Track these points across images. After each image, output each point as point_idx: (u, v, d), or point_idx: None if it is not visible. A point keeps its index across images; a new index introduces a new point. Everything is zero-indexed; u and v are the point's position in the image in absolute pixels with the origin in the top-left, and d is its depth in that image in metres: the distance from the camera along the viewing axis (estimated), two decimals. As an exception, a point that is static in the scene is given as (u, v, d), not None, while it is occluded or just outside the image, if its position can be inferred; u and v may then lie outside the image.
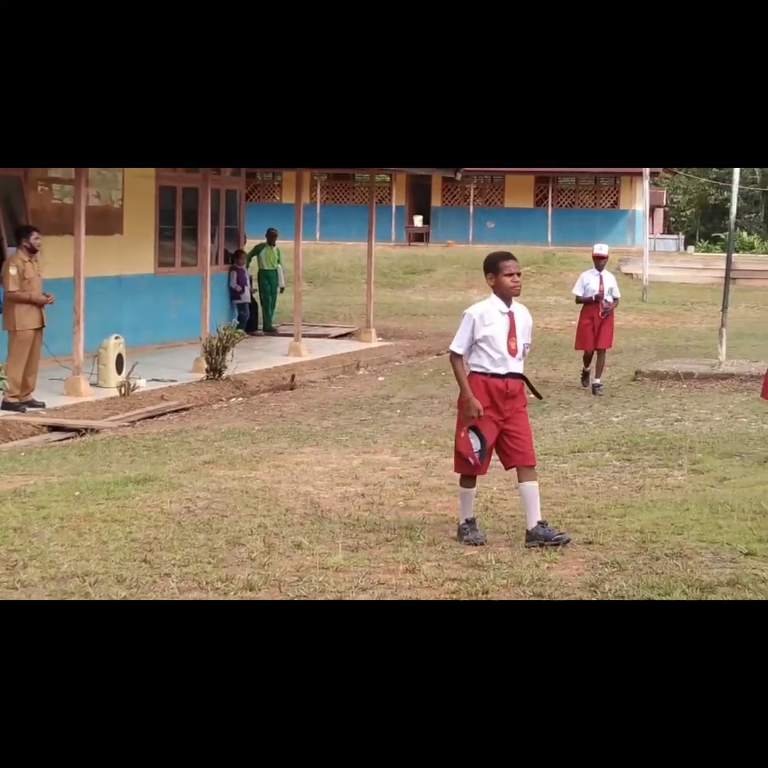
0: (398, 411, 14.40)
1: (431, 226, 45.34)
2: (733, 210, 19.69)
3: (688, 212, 72.77)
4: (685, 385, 16.37)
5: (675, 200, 71.18)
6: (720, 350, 17.96)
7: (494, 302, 7.60)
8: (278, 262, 24.03)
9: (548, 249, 40.12)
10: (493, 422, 7.53)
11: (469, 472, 7.69)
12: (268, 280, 23.84)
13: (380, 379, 17.89)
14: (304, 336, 20.51)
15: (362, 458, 10.90)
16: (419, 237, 44.87)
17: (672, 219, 70.33)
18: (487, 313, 7.59)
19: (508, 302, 7.60)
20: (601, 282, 15.88)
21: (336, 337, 23.50)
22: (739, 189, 71.67)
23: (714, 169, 65.78)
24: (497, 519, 8.34)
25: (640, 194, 42.29)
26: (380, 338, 22.87)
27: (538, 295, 32.39)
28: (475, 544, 7.50)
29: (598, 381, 15.70)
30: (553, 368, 18.67)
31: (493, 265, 7.63)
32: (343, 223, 42.91)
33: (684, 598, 6.29)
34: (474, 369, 7.64)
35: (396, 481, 9.75)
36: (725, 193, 55.79)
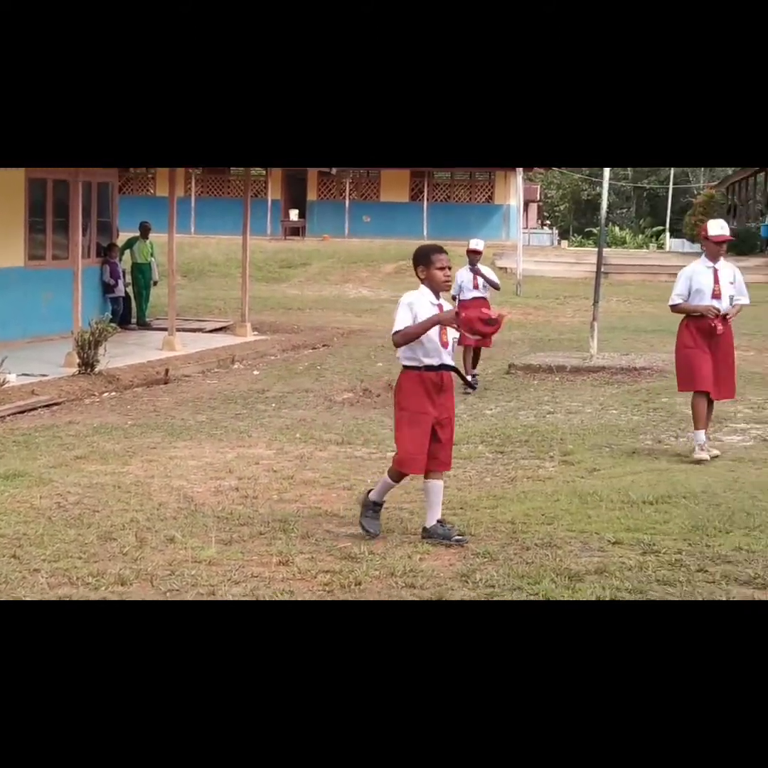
0: (273, 405, 14.36)
1: (307, 220, 45.26)
2: (604, 205, 20.00)
3: (561, 207, 73.85)
4: (557, 378, 16.58)
5: (549, 195, 72.15)
6: (591, 343, 18.22)
7: (424, 294, 7.55)
8: (151, 255, 23.77)
9: (424, 243, 40.26)
10: (430, 417, 7.49)
11: (415, 471, 7.62)
12: (141, 274, 23.58)
13: (255, 373, 17.82)
14: (178, 330, 20.32)
15: (236, 452, 10.85)
16: (295, 231, 44.77)
17: (546, 214, 71.26)
18: (417, 303, 7.53)
19: (437, 295, 7.56)
20: (475, 278, 15.67)
21: (211, 331, 23.34)
22: (611, 185, 72.93)
23: (586, 166, 66.79)
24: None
25: (514, 189, 42.74)
26: (255, 332, 22.76)
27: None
28: (367, 532, 7.50)
29: (475, 372, 15.74)
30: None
31: (424, 258, 7.63)
32: (219, 216, 42.58)
33: (552, 587, 6.39)
34: (406, 363, 7.57)
35: (270, 475, 9.73)
36: (597, 188, 56.67)
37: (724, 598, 6.31)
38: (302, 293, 33.01)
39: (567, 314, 28.48)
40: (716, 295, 10.32)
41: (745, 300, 10.58)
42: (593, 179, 59.30)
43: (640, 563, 6.94)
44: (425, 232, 43.68)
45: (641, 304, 30.84)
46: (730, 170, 62.42)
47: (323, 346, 21.46)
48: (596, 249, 21.51)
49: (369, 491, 7.83)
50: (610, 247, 53.26)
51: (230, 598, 6.21)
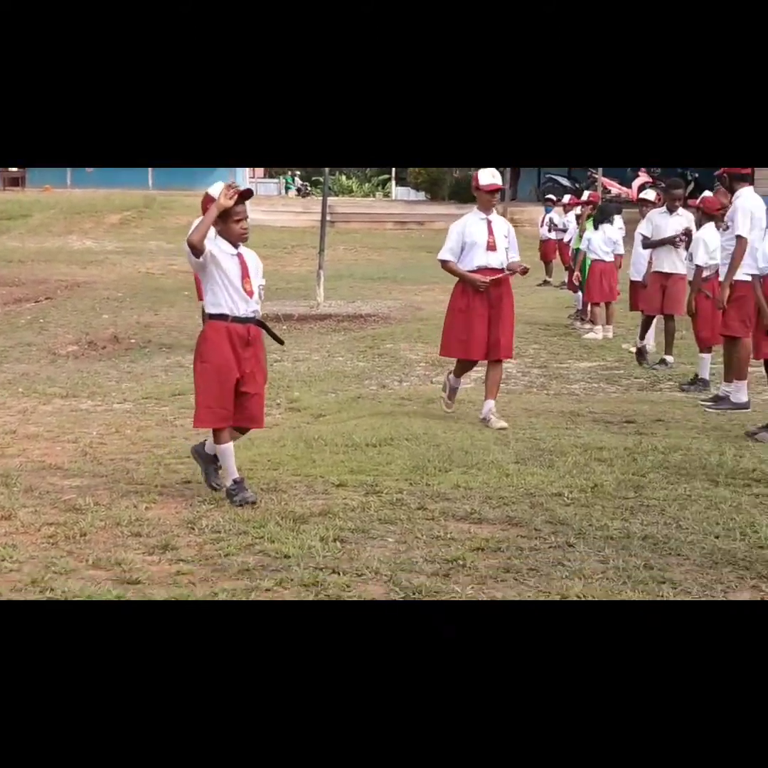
0: (-6, 359, 14.00)
1: (27, 170, 43.91)
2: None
3: (288, 157, 73.78)
4: (284, 327, 16.67)
5: (275, 145, 72.02)
6: (318, 292, 18.42)
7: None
8: None
9: (149, 193, 39.72)
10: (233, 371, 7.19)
11: (219, 424, 7.20)
12: None
13: (-25, 327, 17.30)
14: None
15: (-45, 409, 10.56)
16: (15, 181, 43.40)
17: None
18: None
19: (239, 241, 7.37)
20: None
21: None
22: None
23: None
24: (97, 463, 8.31)
25: (240, 138, 42.51)
26: (-26, 286, 22.07)
27: (140, 240, 32.07)
28: (251, 503, 7.07)
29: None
30: (155, 313, 18.59)
31: None
32: (-68, 165, 40.92)
33: (277, 530, 6.49)
34: (212, 310, 7.27)
35: (-9, 430, 9.52)
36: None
37: (442, 534, 6.57)
38: (23, 245, 32.03)
39: (294, 263, 28.62)
40: (491, 247, 9.71)
41: (516, 256, 9.95)
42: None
43: (363, 504, 7.11)
44: (150, 182, 43.08)
45: (367, 252, 31.28)
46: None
47: (46, 298, 20.95)
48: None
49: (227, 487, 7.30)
50: (337, 195, 53.71)
51: (-50, 555, 6.07)
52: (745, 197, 10.15)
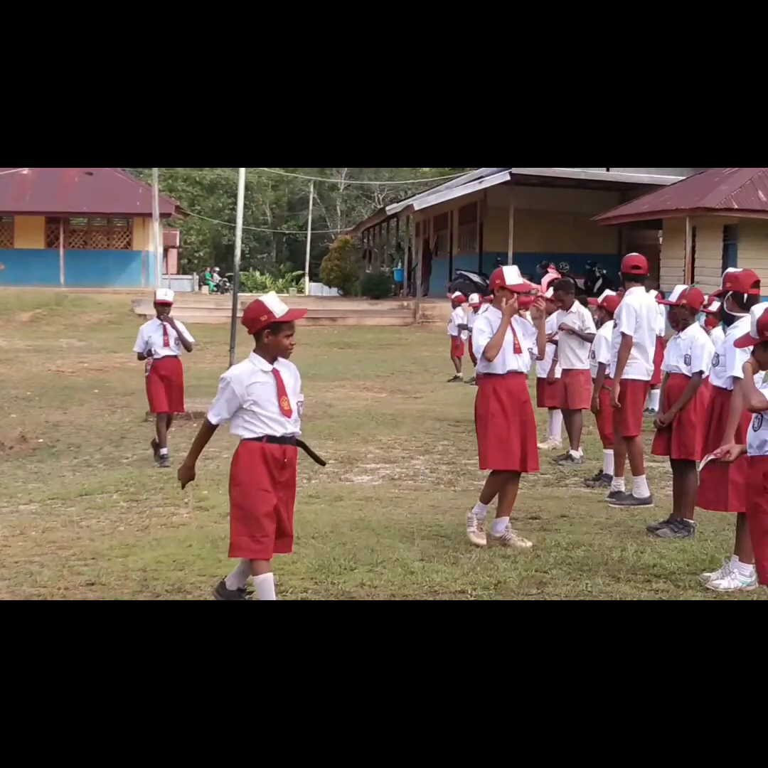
0: None
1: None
2: (238, 251, 20.23)
3: (201, 253, 74.08)
4: (195, 425, 16.65)
5: (189, 241, 72.25)
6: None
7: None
8: None
9: (60, 290, 39.57)
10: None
11: (261, 556, 6.58)
12: None
13: None
14: None
15: None
16: (-75, 278, 43.04)
17: (186, 259, 71.31)
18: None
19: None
20: (165, 333, 13.75)
21: None
22: (251, 231, 73.20)
23: (226, 211, 67.43)
24: (0, 566, 8.23)
25: (153, 235, 42.65)
26: None
27: (51, 338, 31.89)
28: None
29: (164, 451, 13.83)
30: (64, 412, 18.47)
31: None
32: None
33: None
34: (246, 434, 6.73)
35: None
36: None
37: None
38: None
39: (206, 360, 28.53)
40: (517, 350, 8.94)
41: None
42: (231, 225, 59.92)
43: (268, 604, 7.11)
44: (62, 279, 42.98)
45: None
46: (365, 215, 64.43)
47: (-46, 397, 20.74)
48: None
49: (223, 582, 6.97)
50: (251, 291, 53.90)
51: None
52: (634, 295, 10.38)
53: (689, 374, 9.20)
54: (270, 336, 6.60)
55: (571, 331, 13.10)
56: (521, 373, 9.06)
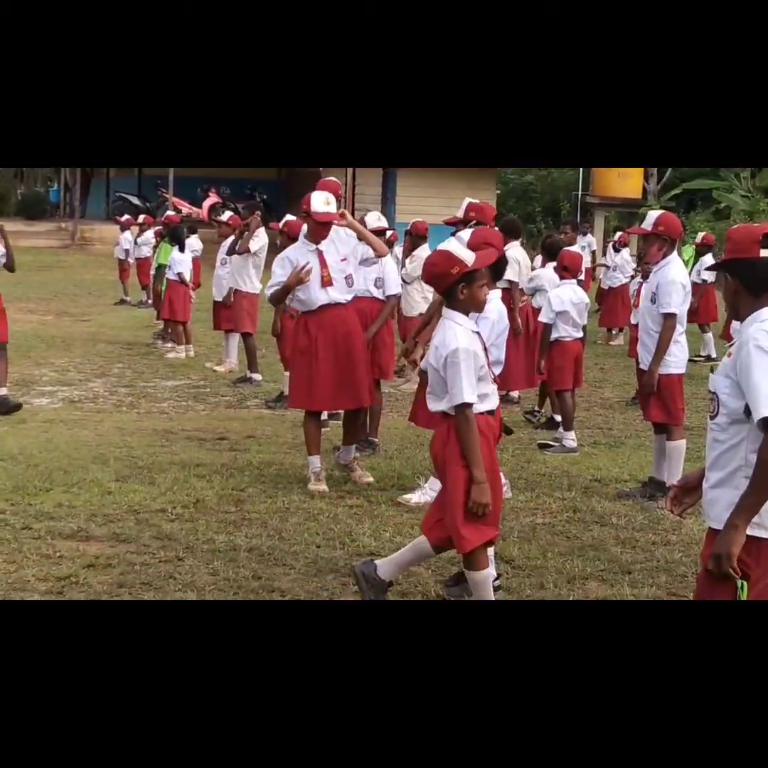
0: None
1: None
2: None
3: None
4: None
5: None
6: None
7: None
8: None
9: None
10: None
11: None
12: None
13: None
14: None
15: None
16: None
17: None
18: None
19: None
20: None
21: None
22: None
23: None
24: None
25: None
26: None
27: None
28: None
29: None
30: None
31: None
32: None
33: None
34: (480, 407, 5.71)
35: None
36: None
37: (51, 552, 6.59)
38: None
39: None
40: (326, 283, 8.32)
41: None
42: None
43: (-35, 528, 7.01)
44: None
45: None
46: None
47: None
48: None
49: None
50: None
51: None
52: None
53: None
54: (465, 290, 5.67)
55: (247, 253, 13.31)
56: (339, 304, 8.42)
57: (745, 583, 3.91)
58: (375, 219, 10.02)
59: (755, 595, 3.91)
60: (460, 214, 8.70)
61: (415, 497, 7.96)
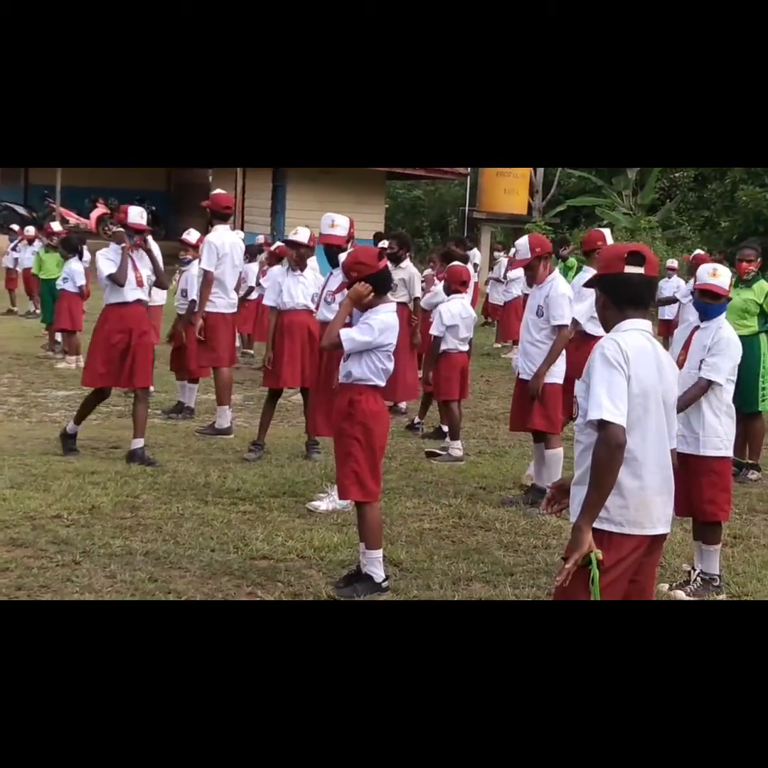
0: None
1: None
2: None
3: None
4: None
5: None
6: None
7: None
8: None
9: None
10: None
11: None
12: None
13: None
14: None
15: None
16: None
17: None
18: None
19: None
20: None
21: None
22: None
23: None
24: None
25: None
26: None
27: None
28: None
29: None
30: None
31: None
32: None
33: None
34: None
35: None
36: None
37: None
38: None
39: None
40: (139, 284, 9.69)
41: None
42: None
43: None
44: None
45: None
46: None
47: None
48: None
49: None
50: None
51: None
52: (218, 233, 10.82)
53: None
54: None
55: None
56: (139, 301, 9.71)
57: (595, 562, 4.16)
58: (305, 235, 10.05)
59: (604, 586, 4.18)
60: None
61: (323, 505, 8.22)
